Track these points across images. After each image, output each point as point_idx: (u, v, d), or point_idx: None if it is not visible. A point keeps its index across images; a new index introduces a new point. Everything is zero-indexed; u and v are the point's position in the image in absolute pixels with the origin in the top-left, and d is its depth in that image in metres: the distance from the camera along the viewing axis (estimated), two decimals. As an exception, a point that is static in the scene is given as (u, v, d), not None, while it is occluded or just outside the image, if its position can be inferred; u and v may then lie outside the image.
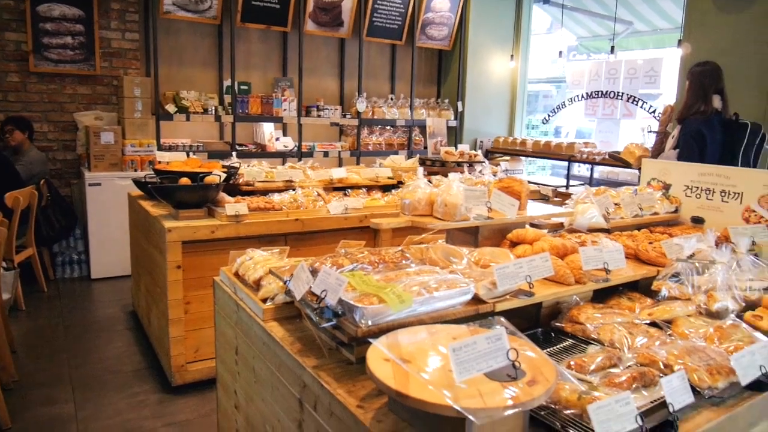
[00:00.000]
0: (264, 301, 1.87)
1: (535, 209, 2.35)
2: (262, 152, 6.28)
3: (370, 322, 1.34)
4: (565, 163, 6.97)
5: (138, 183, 4.01)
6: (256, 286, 1.96)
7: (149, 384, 3.46)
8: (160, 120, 5.69)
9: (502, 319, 1.45)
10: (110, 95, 5.89)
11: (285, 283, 1.69)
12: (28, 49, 5.42)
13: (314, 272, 1.57)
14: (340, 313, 1.41)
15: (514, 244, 2.10)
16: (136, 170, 5.40)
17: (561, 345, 1.65)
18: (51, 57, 5.51)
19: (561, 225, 2.56)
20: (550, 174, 9.23)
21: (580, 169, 8.35)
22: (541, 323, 1.82)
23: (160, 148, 5.66)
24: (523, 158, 7.77)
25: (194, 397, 3.26)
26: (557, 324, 1.74)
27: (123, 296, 4.96)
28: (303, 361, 1.53)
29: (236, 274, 2.13)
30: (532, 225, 2.44)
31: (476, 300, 1.60)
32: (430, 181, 2.47)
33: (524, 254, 1.99)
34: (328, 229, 3.62)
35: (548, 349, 1.62)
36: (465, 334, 1.35)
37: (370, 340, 1.29)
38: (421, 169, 2.19)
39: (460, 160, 4.76)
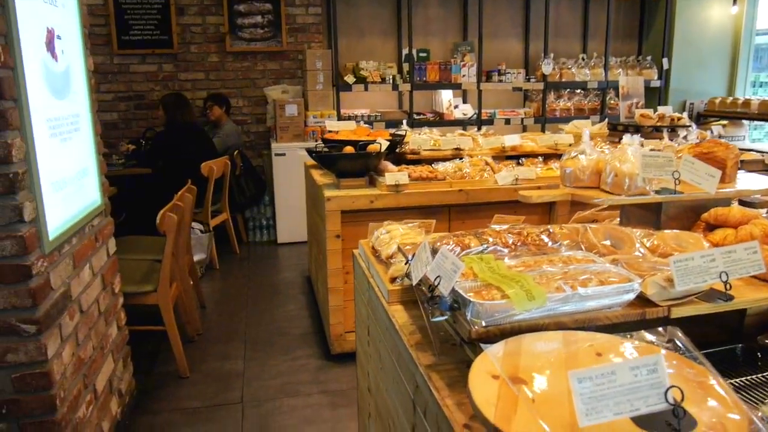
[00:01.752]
0: (393, 280, 1.67)
1: (747, 181, 1.80)
2: (440, 120, 6.10)
3: (484, 322, 1.06)
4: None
5: (309, 152, 4.07)
6: (388, 263, 1.77)
7: (312, 349, 3.53)
8: (340, 91, 5.79)
9: (678, 331, 1.07)
10: (296, 69, 6.15)
11: (407, 262, 1.47)
12: (225, 30, 5.86)
13: (435, 252, 1.31)
14: (455, 306, 1.14)
15: (711, 228, 1.61)
16: (316, 140, 5.58)
17: (770, 372, 1.19)
18: (244, 36, 5.90)
19: (787, 204, 1.95)
20: (768, 141, 7.68)
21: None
22: (743, 337, 1.35)
23: (340, 118, 5.77)
24: (745, 122, 6.51)
25: (350, 367, 3.24)
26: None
27: (301, 261, 5.19)
28: (417, 357, 1.30)
29: (373, 249, 1.96)
30: (743, 203, 1.88)
31: (644, 301, 1.21)
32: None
33: (724, 242, 1.51)
34: (495, 201, 3.30)
35: (749, 377, 1.17)
36: (615, 348, 1.00)
37: (482, 345, 1.01)
38: (587, 132, 1.78)
39: (659, 124, 4.05)
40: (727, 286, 1.24)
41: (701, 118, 6.67)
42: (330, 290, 3.26)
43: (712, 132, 5.24)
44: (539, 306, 1.07)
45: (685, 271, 1.19)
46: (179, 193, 3.55)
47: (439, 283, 1.18)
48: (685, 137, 2.49)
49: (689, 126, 4.17)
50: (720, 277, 1.22)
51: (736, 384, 1.19)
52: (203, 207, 4.91)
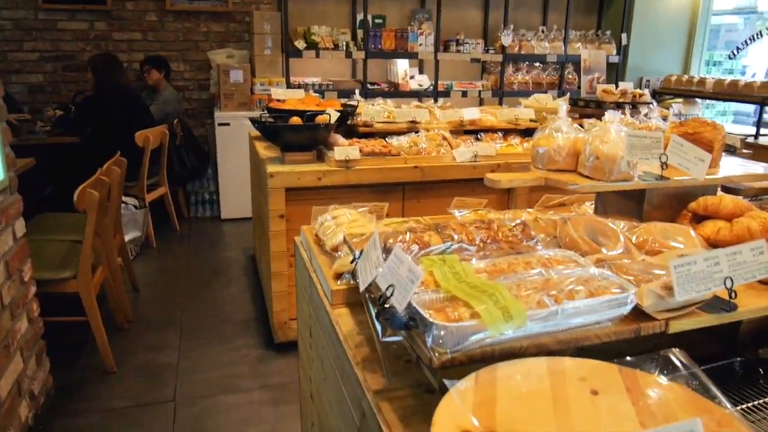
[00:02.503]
0: (338, 277, 1.42)
1: (735, 166, 1.62)
2: (395, 91, 5.82)
3: (449, 349, 0.82)
4: (752, 108, 5.68)
5: (253, 122, 3.74)
6: (333, 255, 1.52)
7: (253, 338, 3.26)
8: (289, 57, 5.42)
9: (678, 352, 0.86)
10: (242, 32, 5.73)
11: (354, 260, 1.22)
12: (164, -15, 5.37)
13: (388, 251, 1.07)
14: (411, 323, 0.91)
15: (699, 219, 1.43)
16: (263, 110, 5.22)
17: (779, 396, 1.01)
18: (185, -7, 5.43)
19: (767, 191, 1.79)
20: (732, 122, 7.76)
21: (773, 117, 6.88)
22: (739, 348, 1.18)
23: (289, 86, 5.41)
24: (699, 101, 6.49)
25: (294, 358, 2.98)
26: (772, 357, 1.10)
27: (246, 239, 4.88)
28: (365, 379, 1.07)
29: (316, 237, 1.70)
30: (726, 190, 1.72)
31: (637, 312, 1.00)
32: (581, 126, 1.84)
33: (717, 236, 1.32)
34: (452, 180, 3.09)
35: (759, 402, 0.99)
36: (612, 383, 0.79)
37: (446, 382, 0.78)
38: (564, 106, 1.56)
39: (621, 100, 3.90)
40: (732, 294, 1.04)
41: (657, 96, 6.62)
42: (273, 275, 2.99)
43: (672, 109, 5.17)
44: (518, 327, 0.85)
45: (686, 277, 0.99)
46: (105, 165, 3.18)
47: (392, 294, 0.93)
48: (646, 114, 2.32)
49: (650, 103, 4.04)
50: (725, 283, 1.03)
51: (745, 410, 1.01)
52: (138, 180, 4.51)
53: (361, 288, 1.07)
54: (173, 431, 2.48)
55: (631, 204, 1.49)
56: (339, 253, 1.47)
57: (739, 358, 1.13)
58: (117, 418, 2.55)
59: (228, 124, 5.12)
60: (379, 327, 0.96)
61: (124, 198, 4.33)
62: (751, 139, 5.34)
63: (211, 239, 4.96)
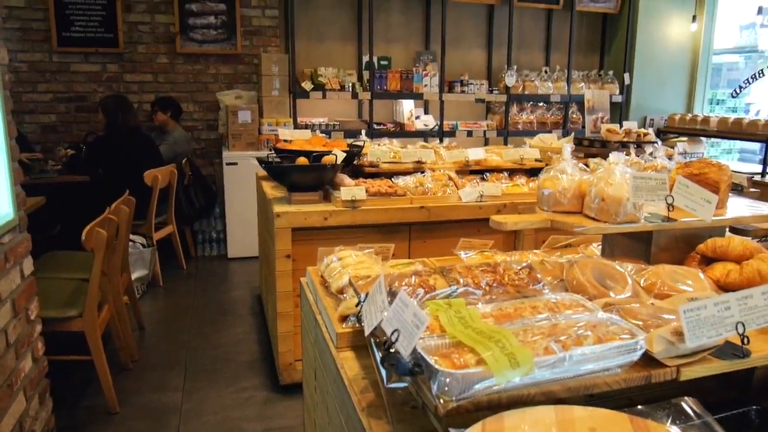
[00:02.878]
0: (343, 319, 1.41)
1: (742, 207, 1.62)
2: (400, 131, 5.88)
3: (455, 396, 0.81)
4: (758, 146, 5.69)
5: (260, 162, 3.78)
6: (339, 297, 1.51)
7: (259, 378, 3.22)
8: (297, 98, 5.51)
9: (690, 400, 0.84)
10: (251, 74, 5.84)
11: (359, 303, 1.21)
12: (175, 30, 5.51)
13: (393, 294, 1.06)
14: (416, 370, 0.89)
15: (708, 260, 1.42)
16: (271, 150, 5.28)
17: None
18: (196, 38, 5.56)
19: (777, 231, 1.78)
20: (737, 159, 7.78)
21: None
22: (754, 394, 1.15)
23: (297, 126, 5.49)
24: (703, 140, 6.52)
25: (299, 400, 2.94)
26: (789, 405, 1.07)
27: (253, 278, 4.87)
28: (369, 425, 1.05)
29: (322, 278, 1.70)
30: (734, 231, 1.71)
31: (647, 359, 0.99)
32: (586, 165, 1.85)
33: (727, 279, 1.30)
34: (459, 219, 3.09)
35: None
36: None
37: (452, 431, 0.76)
38: (568, 147, 1.57)
39: (625, 139, 3.93)
40: (744, 340, 1.03)
41: (661, 135, 6.66)
42: (279, 315, 2.97)
43: (677, 148, 5.19)
44: (525, 374, 0.83)
45: (696, 322, 0.98)
46: (113, 204, 3.21)
47: (396, 339, 0.93)
48: (651, 154, 2.33)
49: (655, 142, 4.06)
50: (736, 328, 1.01)
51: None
52: (146, 219, 4.54)
53: (366, 332, 1.06)
54: (175, 476, 2.43)
55: (639, 246, 1.48)
56: (344, 295, 1.47)
57: (755, 407, 1.11)
58: (118, 462, 2.51)
59: (236, 164, 5.17)
60: (384, 373, 0.94)
61: (132, 236, 4.34)
62: (758, 177, 5.35)
63: (218, 278, 4.95)
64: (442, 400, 0.81)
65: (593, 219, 1.40)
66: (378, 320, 1.04)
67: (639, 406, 0.91)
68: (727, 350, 1.04)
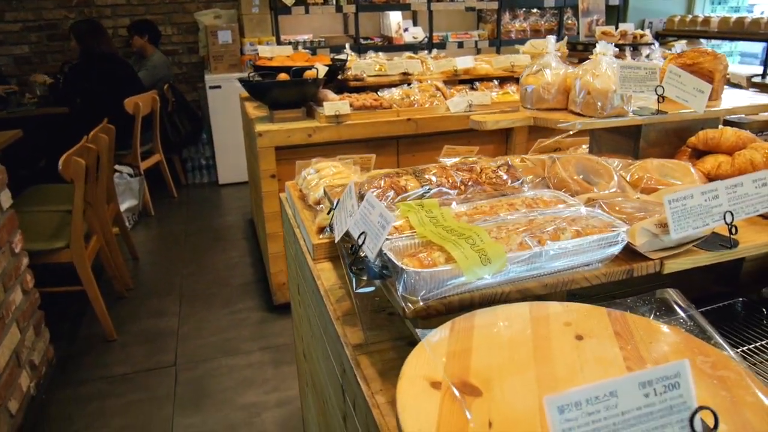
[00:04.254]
0: (320, 231, 1.36)
1: (738, 98, 1.53)
2: (388, 45, 5.64)
3: (420, 296, 0.77)
4: (760, 49, 5.49)
5: (241, 81, 3.64)
6: (315, 209, 1.46)
7: (254, 300, 3.24)
8: (278, 14, 5.23)
9: (673, 292, 0.80)
10: (231, -10, 5.54)
11: (330, 210, 1.16)
12: (145, -56, 5.17)
13: (363, 198, 1.00)
14: (385, 272, 0.85)
15: (699, 154, 1.35)
16: (252, 69, 5.09)
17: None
18: (167, -49, 5.23)
19: (774, 123, 1.70)
20: (738, 62, 7.55)
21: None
22: (741, 287, 1.11)
23: (280, 45, 5.26)
24: (703, 41, 6.28)
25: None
26: (777, 294, 1.03)
27: (244, 203, 4.83)
28: (344, 333, 1.02)
29: (300, 192, 1.64)
30: (728, 124, 1.63)
31: (629, 253, 0.94)
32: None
33: (718, 171, 1.24)
34: (448, 131, 2.99)
35: (752, 346, 0.94)
36: (600, 327, 0.73)
37: (419, 332, 0.72)
38: (552, 40, 1.46)
39: (621, 42, 3.75)
40: (733, 230, 0.97)
41: (660, 38, 6.40)
42: (269, 236, 2.94)
43: (674, 50, 4.99)
44: (497, 271, 0.79)
45: (682, 212, 0.92)
46: (91, 133, 3.10)
47: (363, 242, 0.87)
48: (647, 56, 2.21)
49: (652, 44, 3.89)
50: (724, 218, 0.96)
51: (746, 353, 0.95)
52: (131, 149, 4.44)
53: (336, 238, 1.01)
54: (175, 394, 2.48)
55: (627, 142, 1.41)
56: (321, 206, 1.41)
57: (741, 299, 1.07)
58: (119, 384, 2.55)
59: (219, 87, 5.00)
60: (353, 278, 0.90)
61: (118, 167, 4.27)
62: (757, 79, 5.18)
63: (210, 205, 4.91)
64: (409, 302, 0.77)
65: (579, 115, 1.32)
66: (347, 225, 0.98)
67: (618, 300, 0.87)
68: (714, 241, 0.99)
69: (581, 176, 1.16)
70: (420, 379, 0.64)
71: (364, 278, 0.87)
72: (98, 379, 2.60)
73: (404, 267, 0.76)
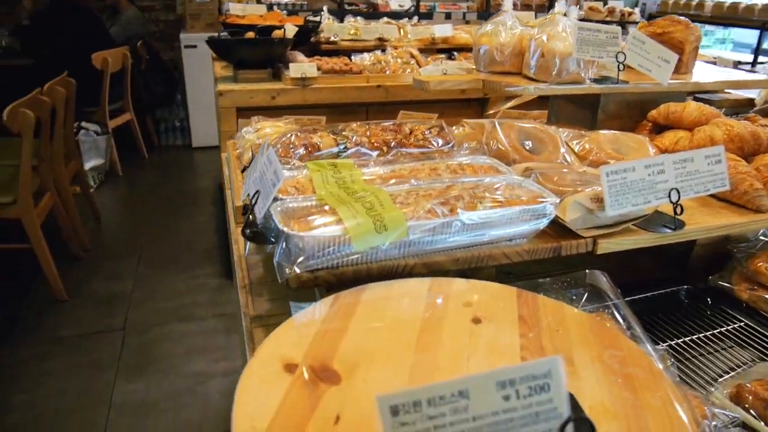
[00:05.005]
0: (249, 194, 1.25)
1: (706, 72, 1.43)
2: (373, 12, 5.45)
3: (301, 263, 0.67)
4: (755, 33, 5.38)
5: (208, 40, 3.47)
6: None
7: (214, 266, 3.14)
8: (261, -27, 5.04)
9: (601, 275, 0.71)
10: (210, -55, 5.30)
11: (244, 169, 1.05)
12: None
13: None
14: (272, 236, 0.74)
15: (660, 129, 1.25)
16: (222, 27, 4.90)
17: (724, 328, 0.87)
18: None
19: (749, 104, 1.60)
20: (730, 50, 7.44)
21: (776, 45, 6.60)
22: (690, 275, 1.03)
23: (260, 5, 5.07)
24: (697, 26, 6.15)
25: (253, 289, 2.88)
26: (722, 283, 0.94)
27: (218, 167, 4.67)
28: (245, 303, 0.92)
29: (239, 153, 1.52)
30: (698, 101, 1.53)
31: (561, 229, 0.84)
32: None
33: (675, 147, 1.14)
34: (419, 100, 2.86)
35: (697, 336, 0.85)
36: (507, 309, 0.64)
37: (291, 305, 0.62)
38: (509, 2, 1.34)
39: (608, 18, 3.63)
40: (678, 209, 0.88)
41: (651, 20, 6.27)
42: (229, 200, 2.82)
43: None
44: (395, 239, 0.68)
45: (621, 186, 0.82)
46: (46, 85, 2.95)
47: (255, 201, 0.77)
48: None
49: (640, 21, 3.76)
50: (669, 196, 0.86)
51: (679, 346, 0.86)
52: (99, 105, 4.27)
53: (241, 199, 0.91)
54: (120, 359, 2.38)
55: (585, 113, 1.30)
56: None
57: (685, 286, 0.98)
58: (63, 347, 2.45)
59: (195, 47, 4.81)
60: (247, 244, 0.80)
61: (84, 124, 4.11)
62: (746, 67, 5.08)
63: (181, 167, 4.76)
64: (287, 269, 0.66)
65: (532, 80, 1.21)
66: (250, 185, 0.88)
67: (544, 280, 0.78)
68: (657, 221, 0.90)
69: (526, 145, 1.06)
70: (275, 360, 0.54)
71: (254, 242, 0.77)
72: (41, 341, 2.50)
73: (284, 229, 0.66)
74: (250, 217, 0.76)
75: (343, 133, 0.91)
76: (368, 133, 0.92)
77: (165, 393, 2.20)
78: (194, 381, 2.26)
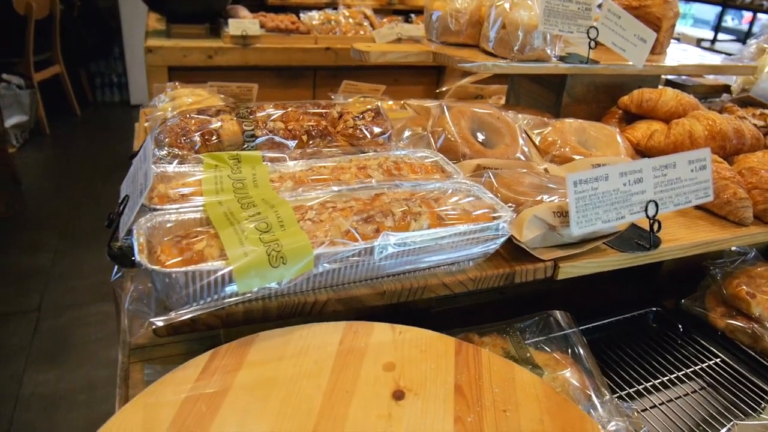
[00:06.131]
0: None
1: (685, 55, 1.28)
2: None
3: (165, 306, 0.48)
4: (716, 10, 5.35)
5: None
6: (157, 148, 1.14)
7: (145, 240, 2.89)
8: None
9: (562, 317, 0.56)
10: None
11: (133, 156, 0.85)
12: None
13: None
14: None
15: (631, 118, 1.10)
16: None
17: (698, 366, 0.73)
18: None
19: (724, 90, 1.47)
20: (690, 26, 7.44)
21: (735, 21, 6.63)
22: (659, 295, 0.89)
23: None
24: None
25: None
26: (697, 308, 0.81)
27: (156, 129, 4.37)
28: (130, 327, 0.74)
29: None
30: (670, 84, 1.39)
31: (514, 248, 0.68)
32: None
33: (650, 142, 0.99)
34: (374, 66, 2.65)
35: (667, 378, 0.71)
36: (440, 375, 0.47)
37: (147, 373, 0.44)
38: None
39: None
40: (656, 225, 0.73)
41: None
42: (160, 170, 2.58)
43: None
44: (296, 275, 0.51)
45: (591, 199, 0.66)
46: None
47: (123, 210, 0.58)
48: (599, 5, 1.94)
49: (600, 5, 3.61)
50: (646, 210, 0.71)
51: (647, 391, 0.72)
52: (23, 56, 3.87)
53: (121, 197, 0.71)
54: (31, 345, 2.15)
55: (549, 95, 1.14)
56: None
57: (653, 308, 0.85)
58: (-35, 330, 2.20)
59: (134, -6, 4.42)
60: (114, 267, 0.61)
61: (6, 76, 3.73)
62: (707, 44, 5.04)
63: (116, 126, 4.41)
64: (145, 320, 0.48)
65: (490, 55, 1.04)
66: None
67: (501, 323, 0.62)
68: (627, 236, 0.75)
69: (479, 135, 0.89)
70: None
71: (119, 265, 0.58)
72: (-57, 321, 2.24)
73: (142, 261, 0.47)
74: (116, 231, 0.57)
75: (252, 115, 0.72)
76: (285, 119, 0.73)
77: (79, 384, 1.99)
78: (113, 371, 2.05)
